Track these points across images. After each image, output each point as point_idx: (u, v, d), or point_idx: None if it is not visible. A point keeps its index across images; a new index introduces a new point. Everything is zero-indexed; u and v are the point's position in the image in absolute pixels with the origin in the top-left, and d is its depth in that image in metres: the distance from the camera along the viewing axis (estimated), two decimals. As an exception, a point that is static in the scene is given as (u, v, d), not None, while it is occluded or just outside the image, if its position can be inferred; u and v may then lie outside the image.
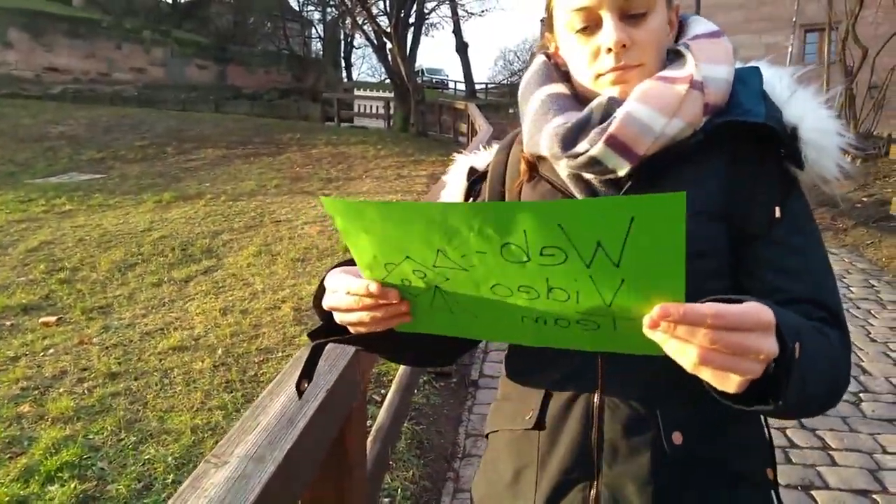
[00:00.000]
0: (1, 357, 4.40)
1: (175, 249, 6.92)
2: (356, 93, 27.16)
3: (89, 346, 4.54)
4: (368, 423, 2.72)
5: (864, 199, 7.87)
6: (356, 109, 23.36)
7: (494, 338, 0.81)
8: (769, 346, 0.61)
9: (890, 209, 6.49)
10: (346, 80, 35.54)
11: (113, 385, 3.91)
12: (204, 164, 13.08)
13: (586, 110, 0.87)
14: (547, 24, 0.98)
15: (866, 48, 9.15)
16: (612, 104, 0.85)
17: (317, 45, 36.34)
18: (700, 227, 0.81)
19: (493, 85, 38.57)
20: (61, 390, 3.86)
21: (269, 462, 1.07)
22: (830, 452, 3.00)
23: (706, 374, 0.63)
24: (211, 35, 29.76)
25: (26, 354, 4.44)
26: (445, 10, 26.21)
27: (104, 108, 20.45)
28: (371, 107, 22.91)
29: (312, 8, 33.98)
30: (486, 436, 1.07)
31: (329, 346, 0.90)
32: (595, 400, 0.90)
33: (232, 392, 3.76)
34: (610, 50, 0.86)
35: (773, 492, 0.94)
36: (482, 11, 32.44)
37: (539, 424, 0.94)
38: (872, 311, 4.86)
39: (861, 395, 3.54)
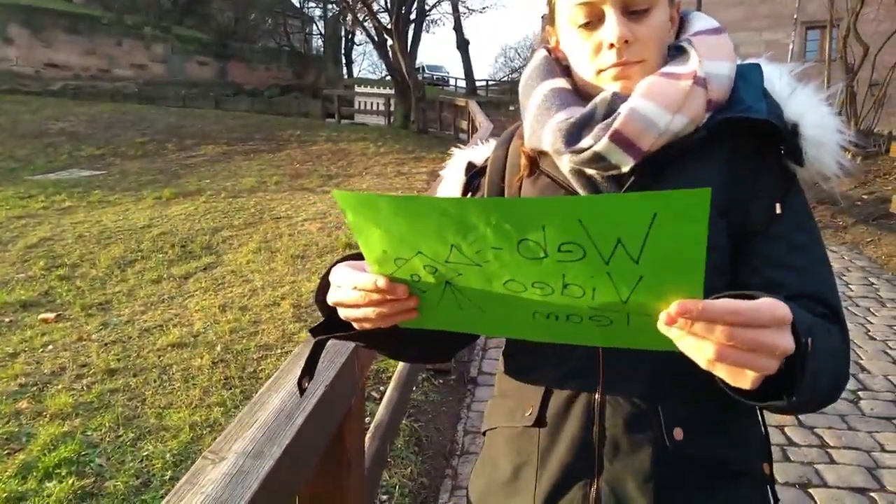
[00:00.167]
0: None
1: (175, 246, 6.92)
2: (357, 89, 27.13)
3: (88, 343, 4.54)
4: (367, 419, 2.72)
5: (865, 197, 7.87)
6: (357, 106, 23.34)
7: (502, 333, 0.80)
8: (786, 342, 0.61)
9: (890, 207, 6.48)
10: (346, 76, 35.51)
11: (112, 382, 3.91)
12: (204, 160, 13.07)
13: (590, 105, 0.87)
14: (549, 17, 0.97)
15: (867, 45, 9.13)
16: (616, 100, 0.85)
17: (318, 42, 36.32)
18: None
19: (493, 82, 38.54)
20: (60, 387, 3.86)
21: (266, 458, 1.07)
22: (829, 450, 3.00)
23: (721, 371, 0.63)
24: (212, 31, 29.74)
25: (25, 351, 4.44)
26: (446, 6, 26.19)
27: (104, 104, 20.46)
28: (372, 103, 22.89)
29: (313, 4, 33.95)
30: (484, 433, 1.07)
31: (328, 343, 0.89)
32: (596, 396, 0.90)
33: (231, 389, 3.76)
34: (612, 45, 0.85)
35: (769, 487, 0.95)
36: (483, 8, 32.43)
37: (539, 421, 0.93)
38: (872, 309, 4.85)
39: (860, 393, 3.54)
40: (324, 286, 0.86)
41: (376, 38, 19.46)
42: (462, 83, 34.76)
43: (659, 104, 0.82)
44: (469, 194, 1.06)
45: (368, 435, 2.24)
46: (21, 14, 23.11)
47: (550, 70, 0.95)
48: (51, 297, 5.57)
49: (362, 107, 23.09)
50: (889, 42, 8.93)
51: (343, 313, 0.79)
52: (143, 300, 5.46)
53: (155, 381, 3.90)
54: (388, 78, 22.79)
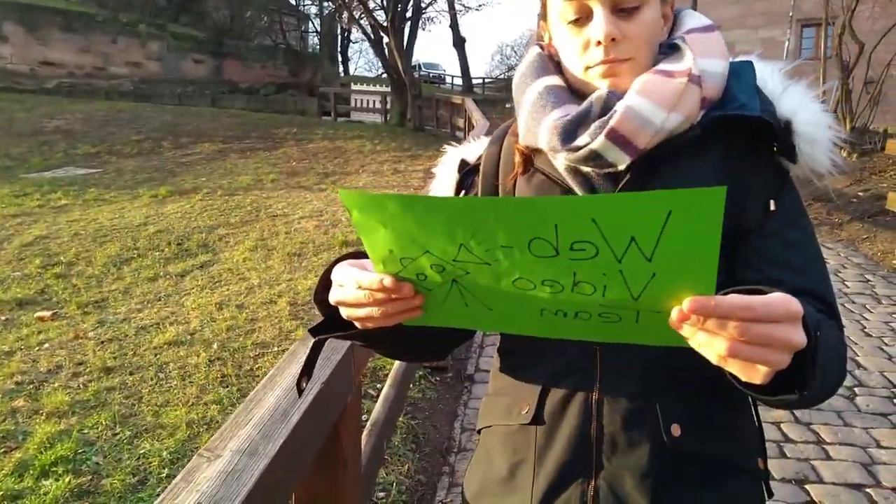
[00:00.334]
0: (-4, 352, 4.39)
1: (171, 244, 6.91)
2: (353, 87, 27.10)
3: (84, 341, 4.53)
4: (364, 417, 2.72)
5: (860, 194, 7.89)
6: (353, 104, 23.31)
7: (508, 329, 0.80)
8: (798, 336, 0.61)
9: (886, 204, 6.49)
10: (343, 74, 35.44)
11: (108, 379, 3.90)
12: (200, 158, 13.05)
13: (586, 103, 0.87)
14: (541, 13, 0.97)
15: (863, 43, 9.14)
16: (612, 97, 0.85)
17: (313, 40, 36.24)
18: None
19: (490, 80, 38.49)
20: (56, 385, 3.85)
21: (262, 456, 1.07)
22: (825, 446, 3.01)
23: (734, 367, 0.63)
24: (207, 29, 29.66)
25: (21, 349, 4.43)
26: (442, 4, 26.25)
27: (100, 102, 20.40)
28: (368, 101, 22.86)
29: (309, 2, 33.90)
30: (479, 431, 1.06)
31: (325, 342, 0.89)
32: (594, 393, 0.90)
33: (227, 386, 3.75)
34: (599, 43, 0.85)
35: (763, 481, 0.96)
36: (479, 6, 32.26)
37: (536, 419, 0.93)
38: (867, 306, 4.87)
39: (856, 389, 3.55)
40: (323, 285, 0.86)
41: (372, 36, 19.41)
42: (458, 81, 34.71)
43: (654, 102, 0.82)
44: (463, 192, 1.06)
45: (365, 432, 2.24)
46: (16, 12, 23.02)
47: (544, 67, 0.95)
48: (47, 296, 5.56)
49: (359, 105, 23.06)
50: (884, 40, 8.94)
51: (346, 312, 0.78)
52: (140, 298, 5.45)
53: (151, 379, 3.89)
54: (385, 76, 22.75)
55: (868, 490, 2.69)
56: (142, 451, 3.11)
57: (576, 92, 0.92)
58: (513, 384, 0.99)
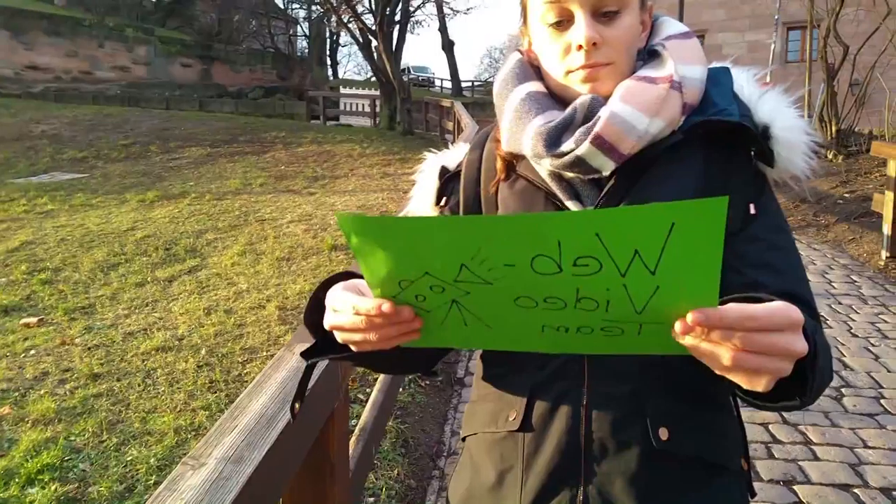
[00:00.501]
0: (-19, 359, 4.35)
1: (158, 249, 6.87)
2: (342, 91, 27.09)
3: (71, 347, 4.49)
4: (353, 422, 2.71)
5: (846, 196, 7.95)
6: (342, 107, 23.29)
7: (508, 346, 0.78)
8: (801, 344, 0.62)
9: (871, 205, 6.54)
10: (331, 77, 35.41)
11: (95, 386, 3.87)
12: (188, 162, 12.98)
13: (569, 109, 0.87)
14: (521, 17, 0.98)
15: (847, 46, 9.22)
16: (596, 104, 0.86)
17: (302, 44, 36.21)
18: None
19: (479, 82, 38.60)
20: (42, 392, 3.82)
21: (247, 463, 1.06)
22: (812, 447, 3.03)
23: (737, 376, 0.63)
24: (195, 33, 29.60)
25: (7, 356, 4.38)
26: (431, 7, 26.19)
27: (87, 106, 20.26)
28: (357, 105, 22.85)
29: (297, 6, 33.84)
30: (463, 439, 1.06)
31: (307, 346, 0.89)
32: (583, 398, 0.89)
33: (216, 392, 3.73)
34: (580, 47, 0.86)
35: (746, 482, 0.97)
36: (468, 9, 32.50)
37: (524, 426, 0.92)
38: (854, 307, 4.90)
39: (843, 389, 3.58)
40: (313, 307, 0.85)
41: (361, 40, 19.40)
42: (448, 84, 34.79)
43: (638, 108, 0.83)
44: (444, 199, 1.05)
45: (353, 437, 2.24)
46: (1, 16, 22.86)
47: (525, 73, 0.95)
48: (33, 302, 5.51)
49: (348, 108, 23.05)
50: (868, 42, 9.03)
51: (342, 337, 0.77)
52: (127, 304, 5.41)
53: (139, 386, 3.86)
54: (374, 79, 22.74)
55: (855, 490, 2.70)
56: (129, 458, 3.08)
57: (556, 98, 0.92)
58: (498, 391, 0.98)
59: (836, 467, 2.86)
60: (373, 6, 18.49)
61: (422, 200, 1.09)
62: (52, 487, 2.86)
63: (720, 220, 0.56)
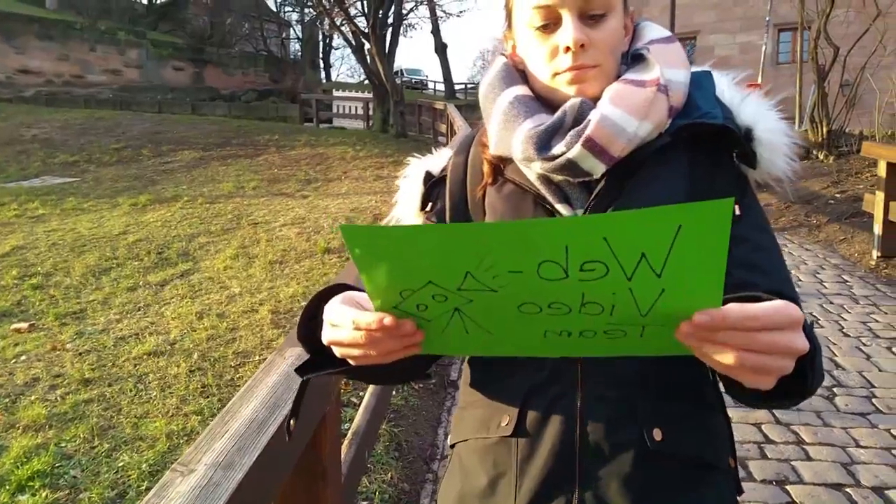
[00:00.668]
0: (-29, 365, 4.32)
1: (151, 253, 6.84)
2: (335, 93, 27.08)
3: (62, 353, 4.47)
4: (346, 425, 2.70)
5: (837, 196, 7.99)
6: (335, 110, 23.30)
7: (509, 352, 0.78)
8: (802, 342, 0.63)
9: (862, 206, 6.58)
10: (324, 80, 35.39)
11: (86, 392, 3.85)
12: (181, 166, 12.95)
13: (559, 112, 0.87)
14: (506, 20, 0.98)
15: (838, 47, 9.27)
16: (585, 107, 0.86)
17: (295, 46, 36.20)
18: None
19: (472, 85, 38.63)
20: (33, 398, 3.79)
21: (237, 469, 1.05)
22: (805, 447, 3.03)
23: (741, 375, 0.64)
24: (187, 36, 29.56)
25: (-3, 362, 4.36)
26: (424, 10, 26.19)
27: (78, 110, 20.18)
28: (350, 107, 22.87)
29: (290, 9, 33.82)
30: (452, 446, 1.05)
31: (298, 350, 0.88)
32: (577, 401, 0.89)
33: (208, 397, 3.72)
34: (568, 49, 0.87)
35: (734, 479, 0.98)
36: (460, 12, 32.50)
37: (518, 431, 0.92)
38: (845, 306, 4.92)
39: (835, 389, 3.59)
40: (306, 321, 0.85)
41: (354, 43, 19.40)
42: (441, 87, 34.81)
43: (626, 111, 0.84)
44: (430, 204, 1.05)
45: (346, 441, 2.23)
46: (-9, 19, 22.76)
47: (512, 77, 0.95)
48: (24, 307, 5.48)
49: (341, 111, 23.05)
50: (858, 44, 9.08)
51: (341, 352, 0.76)
52: (119, 308, 5.38)
53: (131, 391, 3.84)
54: (367, 82, 22.74)
55: (848, 490, 2.71)
56: (120, 464, 3.07)
57: (543, 101, 0.92)
58: (489, 396, 0.97)
59: (828, 467, 2.87)
60: (365, 9, 18.52)
61: (406, 206, 1.08)
62: (43, 494, 2.84)
63: (726, 222, 0.56)
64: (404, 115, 18.53)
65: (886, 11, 9.31)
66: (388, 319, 0.68)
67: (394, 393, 3.46)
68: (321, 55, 36.31)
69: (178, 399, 3.69)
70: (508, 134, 0.90)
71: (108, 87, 25.20)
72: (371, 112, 20.83)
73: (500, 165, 0.96)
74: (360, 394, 3.41)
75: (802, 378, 0.68)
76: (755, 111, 0.92)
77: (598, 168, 0.85)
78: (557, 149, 0.86)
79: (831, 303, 5.01)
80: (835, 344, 4.21)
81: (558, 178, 0.89)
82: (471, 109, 21.66)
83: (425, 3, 24.83)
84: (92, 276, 6.20)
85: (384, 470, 2.91)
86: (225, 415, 1.21)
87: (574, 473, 0.88)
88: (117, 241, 7.29)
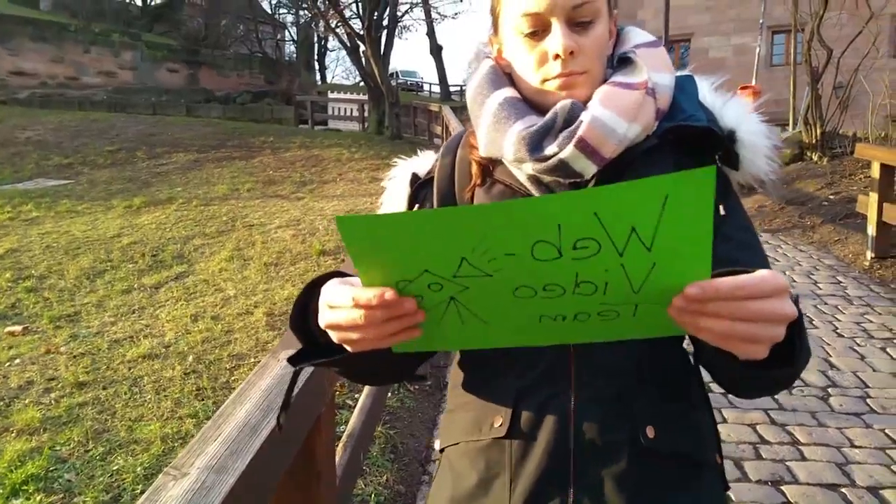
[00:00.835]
0: (-36, 368, 4.29)
1: (145, 255, 6.82)
2: (330, 95, 27.05)
3: (56, 356, 4.45)
4: (341, 428, 2.70)
5: (831, 197, 8.02)
6: (330, 112, 23.29)
7: (503, 343, 0.77)
8: (790, 307, 0.64)
9: (856, 207, 6.60)
10: (320, 82, 35.37)
11: (81, 395, 3.83)
12: (175, 168, 12.92)
13: (550, 114, 0.88)
14: (493, 27, 0.99)
15: (831, 49, 9.31)
16: (576, 108, 0.87)
17: (290, 48, 36.18)
18: None
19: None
20: (27, 401, 3.78)
21: (230, 473, 1.05)
22: (800, 447, 3.04)
23: (734, 346, 0.65)
24: (182, 38, 29.50)
25: (-9, 365, 4.33)
26: (419, 12, 26.21)
27: (72, 112, 20.11)
28: (345, 109, 22.85)
29: (285, 11, 33.79)
30: (441, 450, 1.04)
31: (293, 353, 0.87)
32: (570, 401, 0.90)
33: (203, 400, 3.71)
34: (557, 56, 0.87)
35: (720, 475, 0.99)
36: (455, 14, 32.58)
37: (511, 432, 0.92)
38: (839, 307, 4.94)
39: (829, 389, 3.60)
40: (299, 311, 0.84)
41: (349, 45, 19.40)
42: (436, 88, 34.82)
43: (617, 112, 0.85)
44: (417, 206, 1.05)
45: (340, 444, 2.22)
46: (-15, 21, 22.68)
47: (499, 80, 0.96)
48: (17, 310, 5.45)
49: (336, 113, 23.04)
50: (852, 46, 9.12)
51: (338, 336, 0.73)
52: (113, 311, 5.36)
53: (125, 394, 3.83)
54: (362, 84, 22.74)
55: (843, 490, 2.72)
56: (115, 468, 3.05)
57: (532, 104, 0.93)
58: (479, 398, 0.97)
59: (823, 467, 2.88)
60: (360, 11, 18.51)
61: (392, 207, 1.09)
62: (37, 498, 2.83)
63: (710, 190, 0.57)
64: (399, 116, 18.53)
65: (879, 14, 9.36)
66: (389, 293, 0.67)
67: (389, 395, 3.45)
68: (316, 57, 36.30)
69: (173, 402, 3.68)
70: (499, 135, 0.91)
71: (102, 89, 25.11)
72: (366, 114, 20.83)
73: (490, 167, 0.97)
74: (356, 396, 3.40)
75: (791, 347, 0.70)
76: (737, 114, 0.95)
77: (589, 169, 0.86)
78: (550, 149, 0.86)
79: (826, 303, 5.03)
80: (829, 344, 4.22)
81: (548, 178, 0.90)
82: (466, 111, 21.69)
83: (420, 5, 24.88)
84: (86, 279, 6.18)
85: (380, 472, 2.91)
86: (218, 418, 1.21)
87: (569, 472, 0.89)
88: (112, 244, 7.26)
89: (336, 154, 14.29)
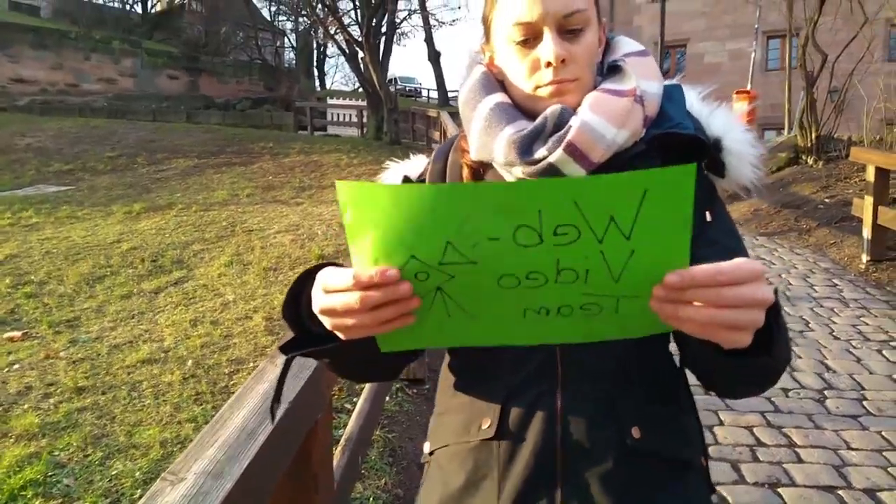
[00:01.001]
0: (-36, 375, 4.30)
1: (145, 261, 6.83)
2: (329, 101, 27.08)
3: (56, 361, 4.46)
4: (339, 432, 2.71)
5: (827, 201, 8.04)
6: (329, 118, 23.29)
7: (490, 340, 0.78)
8: (768, 292, 0.65)
9: (851, 210, 6.62)
10: (319, 88, 35.40)
11: (80, 400, 3.84)
12: (175, 174, 12.93)
13: (540, 119, 0.90)
14: (484, 34, 1.01)
15: (826, 54, 9.34)
16: (565, 114, 0.89)
17: (289, 55, 36.23)
18: None
19: (466, 92, 38.60)
20: (26, 406, 3.79)
21: (227, 478, 1.05)
22: (796, 449, 3.05)
23: (718, 335, 0.66)
24: (182, 45, 29.53)
25: (-10, 371, 4.34)
26: (417, 19, 26.26)
27: (73, 119, 20.12)
28: (344, 115, 22.86)
29: (284, 18, 33.84)
30: (430, 454, 1.05)
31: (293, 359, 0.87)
32: (557, 402, 0.91)
33: (202, 404, 3.72)
34: (549, 64, 0.89)
35: (706, 477, 1.00)
36: (453, 21, 32.63)
37: (500, 433, 0.93)
38: (835, 310, 4.96)
39: (825, 392, 3.61)
40: (292, 301, 0.85)
41: (347, 51, 19.42)
42: (434, 94, 34.85)
43: (606, 118, 0.87)
44: None
45: (339, 448, 2.24)
46: (-15, 28, 22.71)
47: (491, 85, 0.98)
48: (17, 315, 5.46)
49: (335, 119, 23.06)
50: (846, 50, 9.15)
51: (332, 322, 0.72)
52: (113, 316, 5.37)
53: (124, 399, 3.84)
54: (361, 90, 22.77)
55: (840, 492, 2.73)
56: (114, 473, 3.06)
57: (523, 110, 0.95)
58: (468, 400, 0.99)
59: (820, 469, 2.89)
60: (359, 18, 18.56)
61: None
62: (36, 503, 2.83)
63: (689, 187, 0.60)
64: (398, 122, 18.55)
65: (873, 19, 9.40)
66: (392, 270, 0.66)
67: (387, 399, 3.46)
68: (315, 63, 36.33)
69: (172, 407, 3.69)
70: (490, 139, 0.93)
71: (102, 96, 25.12)
72: (365, 120, 20.85)
73: (480, 170, 0.99)
74: (354, 400, 3.42)
75: (770, 334, 0.71)
76: (724, 123, 0.96)
77: (577, 173, 0.87)
78: (539, 153, 0.88)
79: (821, 306, 5.04)
80: (825, 347, 4.24)
81: None
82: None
83: (419, 12, 24.94)
84: (86, 284, 6.19)
85: (378, 476, 2.92)
86: (215, 423, 1.22)
87: (556, 472, 0.90)
88: (111, 249, 7.27)
89: (335, 159, 14.31)
